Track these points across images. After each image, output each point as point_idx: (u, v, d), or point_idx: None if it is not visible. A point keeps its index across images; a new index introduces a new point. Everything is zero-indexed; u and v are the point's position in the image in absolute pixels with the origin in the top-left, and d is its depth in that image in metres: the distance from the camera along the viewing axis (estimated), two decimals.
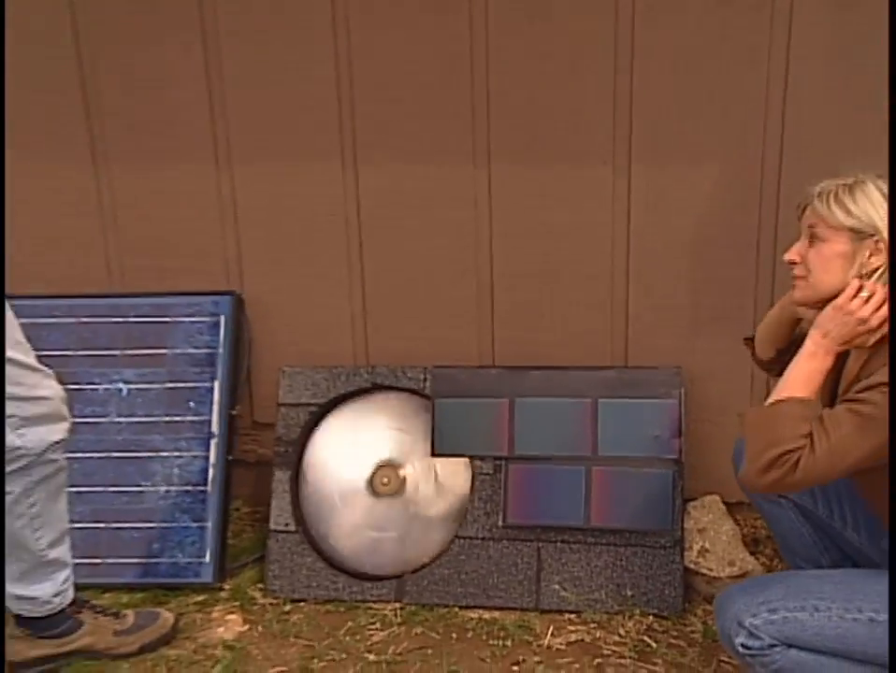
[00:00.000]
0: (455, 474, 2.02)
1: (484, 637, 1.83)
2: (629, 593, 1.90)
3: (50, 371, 1.61)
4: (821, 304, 1.36)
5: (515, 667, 1.73)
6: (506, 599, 1.93)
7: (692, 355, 2.05)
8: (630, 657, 1.75)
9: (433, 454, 2.02)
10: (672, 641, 1.80)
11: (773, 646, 1.29)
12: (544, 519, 1.95)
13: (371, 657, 1.77)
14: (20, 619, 1.71)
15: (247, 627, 1.89)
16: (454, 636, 1.84)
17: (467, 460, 2.02)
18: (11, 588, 1.68)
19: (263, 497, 2.13)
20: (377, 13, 1.97)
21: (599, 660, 1.75)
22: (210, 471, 2.07)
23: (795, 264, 1.40)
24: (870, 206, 1.32)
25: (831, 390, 1.40)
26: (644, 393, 1.97)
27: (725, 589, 1.43)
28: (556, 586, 1.92)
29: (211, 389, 2.10)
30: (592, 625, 1.86)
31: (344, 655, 1.78)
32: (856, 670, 1.31)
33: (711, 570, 1.92)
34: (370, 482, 2.04)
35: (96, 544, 2.03)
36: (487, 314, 2.13)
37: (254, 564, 2.09)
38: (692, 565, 1.93)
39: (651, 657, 1.75)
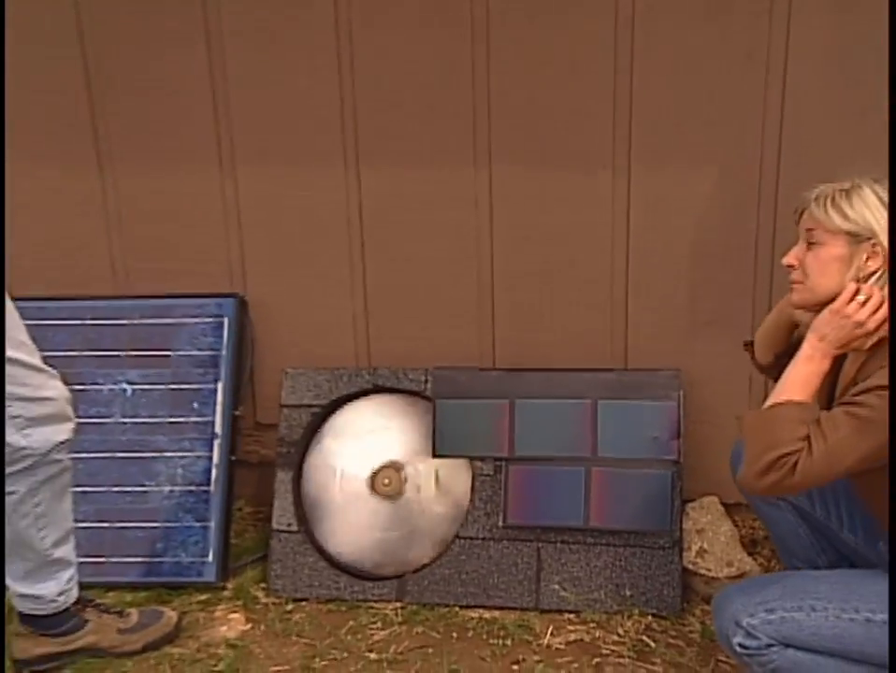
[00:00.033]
0: (456, 475, 2.03)
1: (485, 637, 1.84)
2: (628, 593, 1.90)
3: (56, 372, 1.62)
4: (819, 307, 1.37)
5: (515, 666, 1.74)
6: (506, 599, 1.93)
7: (691, 357, 2.05)
8: (629, 657, 1.76)
9: (434, 455, 2.03)
10: (671, 641, 1.81)
11: (770, 646, 1.30)
12: (544, 519, 1.96)
13: (372, 656, 1.78)
14: (24, 617, 1.72)
15: (249, 626, 1.90)
16: (454, 635, 1.85)
17: (467, 461, 2.02)
18: (16, 586, 1.69)
19: (265, 497, 2.14)
20: (379, 18, 1.98)
21: (598, 659, 1.76)
22: (214, 471, 2.08)
23: (793, 268, 1.41)
24: (866, 210, 1.33)
25: (828, 392, 1.41)
26: (644, 395, 1.98)
27: (723, 589, 1.44)
28: (556, 586, 1.93)
29: (215, 390, 2.11)
30: (591, 625, 1.87)
31: (346, 654, 1.79)
32: (852, 670, 1.32)
33: (709, 571, 1.93)
34: (372, 483, 2.04)
35: (101, 543, 2.04)
36: (488, 316, 2.14)
37: (257, 563, 2.09)
38: (690, 566, 1.94)
39: (650, 657, 1.76)
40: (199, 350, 2.13)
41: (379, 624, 1.89)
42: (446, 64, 1.98)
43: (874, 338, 1.32)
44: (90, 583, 1.87)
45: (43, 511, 1.64)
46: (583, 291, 2.08)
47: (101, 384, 2.13)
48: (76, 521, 1.73)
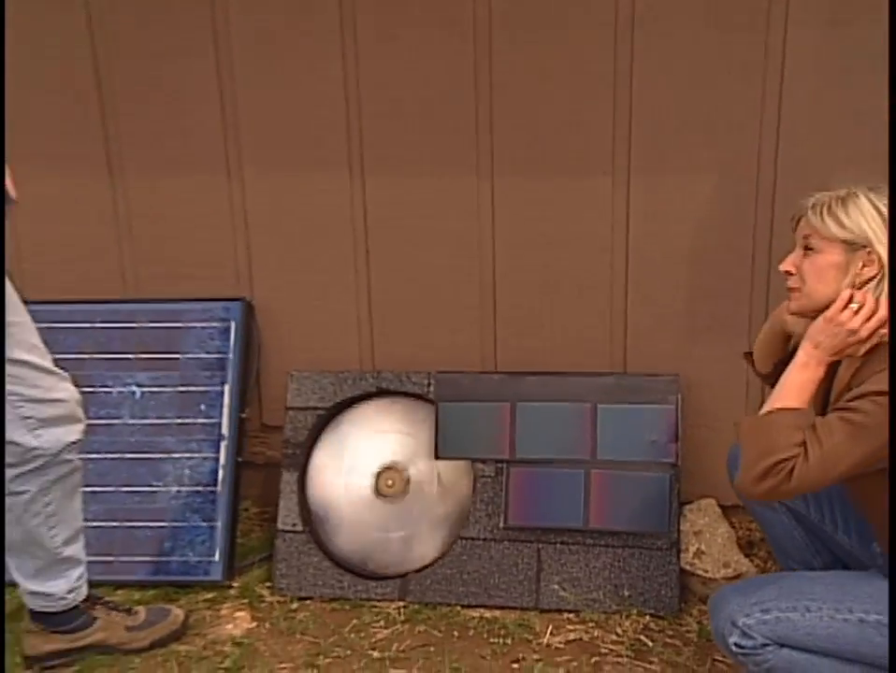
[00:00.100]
0: (458, 476, 2.04)
1: (485, 636, 1.84)
2: (627, 593, 1.92)
3: (66, 374, 1.64)
4: (816, 314, 1.37)
5: (515, 665, 1.75)
6: (506, 599, 1.94)
7: (689, 362, 2.06)
8: (627, 656, 1.77)
9: (436, 457, 2.04)
10: (668, 640, 1.81)
11: (765, 645, 1.31)
12: (544, 521, 1.97)
13: (375, 654, 1.79)
14: (35, 614, 1.74)
15: (255, 624, 1.90)
16: (455, 634, 1.86)
17: (469, 463, 2.03)
18: (27, 584, 1.70)
19: (271, 498, 2.15)
20: (383, 29, 1.99)
21: (596, 658, 1.76)
22: (220, 472, 2.09)
23: (790, 274, 1.42)
24: (862, 218, 1.34)
25: (823, 398, 1.42)
26: (643, 399, 1.99)
27: (719, 590, 1.44)
28: (556, 586, 1.95)
29: (222, 392, 2.12)
30: (590, 624, 1.87)
31: (349, 652, 1.80)
32: (846, 669, 1.34)
33: (706, 571, 1.94)
34: (375, 484, 2.06)
35: (110, 542, 2.05)
36: (490, 321, 2.15)
37: (262, 562, 2.10)
38: (688, 567, 1.95)
39: (647, 656, 1.77)
40: (207, 353, 2.14)
41: (382, 623, 1.90)
42: (449, 75, 2.00)
43: (868, 345, 1.33)
44: (99, 581, 1.89)
45: (54, 510, 1.65)
46: (583, 296, 2.09)
47: (111, 386, 2.15)
48: (85, 520, 1.74)
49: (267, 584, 2.04)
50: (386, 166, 2.07)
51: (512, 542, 1.98)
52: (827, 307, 1.35)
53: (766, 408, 1.36)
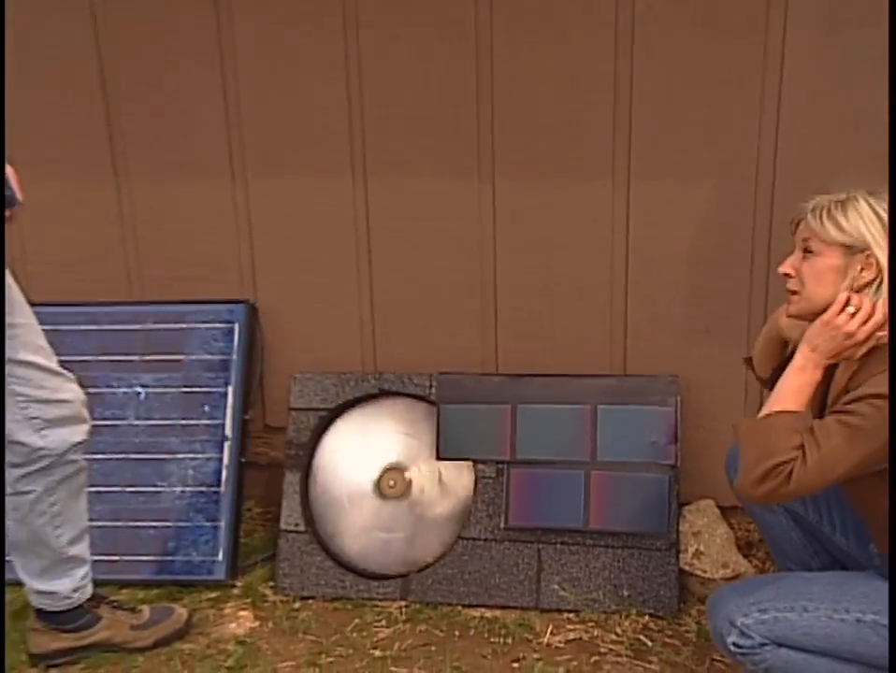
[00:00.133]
0: (459, 477, 2.05)
1: (486, 635, 1.85)
2: (626, 593, 1.92)
3: (72, 375, 1.65)
4: (814, 317, 1.38)
5: (515, 664, 1.76)
6: (507, 598, 1.95)
7: (688, 364, 2.07)
8: (627, 655, 1.77)
9: (438, 458, 2.05)
10: (667, 640, 1.82)
11: (763, 645, 1.32)
12: (545, 521, 1.98)
13: (377, 653, 1.79)
14: (40, 613, 1.75)
15: (258, 623, 1.91)
16: (456, 633, 1.86)
17: (470, 464, 2.04)
18: (33, 583, 1.71)
19: (274, 498, 2.16)
20: (386, 34, 2.00)
21: (596, 658, 1.77)
22: (224, 473, 2.09)
23: (789, 276, 1.43)
24: (861, 222, 1.34)
25: (821, 400, 1.43)
26: (642, 401, 2.00)
27: (718, 590, 1.46)
28: (556, 586, 1.95)
29: (225, 394, 2.13)
30: (590, 624, 1.88)
31: (351, 651, 1.80)
32: (843, 669, 1.34)
33: (705, 572, 1.94)
34: (377, 485, 2.07)
35: (114, 542, 2.05)
36: (491, 323, 2.15)
37: (265, 562, 2.11)
38: (687, 567, 1.95)
39: (646, 655, 1.77)
40: (211, 354, 2.15)
41: (383, 622, 1.91)
42: (451, 79, 2.01)
43: (865, 349, 1.33)
44: (104, 581, 1.89)
45: (59, 510, 1.66)
46: (583, 299, 2.10)
47: (115, 387, 2.16)
48: (90, 520, 1.75)
49: (270, 584, 2.05)
50: (388, 170, 2.08)
51: (512, 542, 1.99)
52: (825, 310, 1.36)
53: (764, 411, 1.37)
